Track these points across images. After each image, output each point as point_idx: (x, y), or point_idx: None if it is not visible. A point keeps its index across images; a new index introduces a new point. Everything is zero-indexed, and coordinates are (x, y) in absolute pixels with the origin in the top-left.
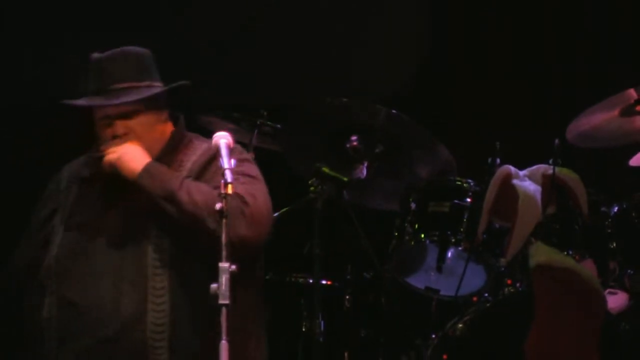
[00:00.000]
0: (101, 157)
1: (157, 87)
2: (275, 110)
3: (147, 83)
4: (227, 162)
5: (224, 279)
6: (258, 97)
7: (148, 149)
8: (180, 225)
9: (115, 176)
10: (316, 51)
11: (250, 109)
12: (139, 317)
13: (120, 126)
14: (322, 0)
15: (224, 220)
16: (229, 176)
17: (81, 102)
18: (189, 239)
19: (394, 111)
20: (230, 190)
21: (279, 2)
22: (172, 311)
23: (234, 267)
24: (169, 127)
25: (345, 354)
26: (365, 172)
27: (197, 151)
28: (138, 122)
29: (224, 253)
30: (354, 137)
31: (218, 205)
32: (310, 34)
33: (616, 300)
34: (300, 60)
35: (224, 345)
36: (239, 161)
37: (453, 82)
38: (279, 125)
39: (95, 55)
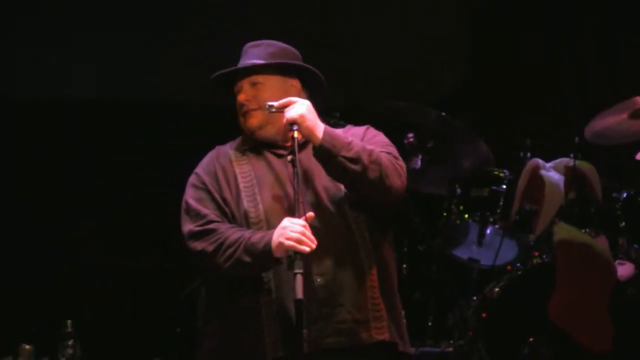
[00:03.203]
0: (274, 113)
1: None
2: (344, 111)
3: (277, 62)
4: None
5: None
6: (328, 99)
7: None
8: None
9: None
10: (372, 57)
11: (325, 110)
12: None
13: (250, 92)
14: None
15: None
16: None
17: (224, 71)
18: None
19: (442, 113)
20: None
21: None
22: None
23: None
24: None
25: (402, 313)
26: (419, 163)
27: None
28: (269, 87)
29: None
30: (410, 134)
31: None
32: (371, 43)
33: (624, 270)
34: (361, 64)
35: (299, 278)
36: (377, 135)
37: (495, 92)
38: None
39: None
